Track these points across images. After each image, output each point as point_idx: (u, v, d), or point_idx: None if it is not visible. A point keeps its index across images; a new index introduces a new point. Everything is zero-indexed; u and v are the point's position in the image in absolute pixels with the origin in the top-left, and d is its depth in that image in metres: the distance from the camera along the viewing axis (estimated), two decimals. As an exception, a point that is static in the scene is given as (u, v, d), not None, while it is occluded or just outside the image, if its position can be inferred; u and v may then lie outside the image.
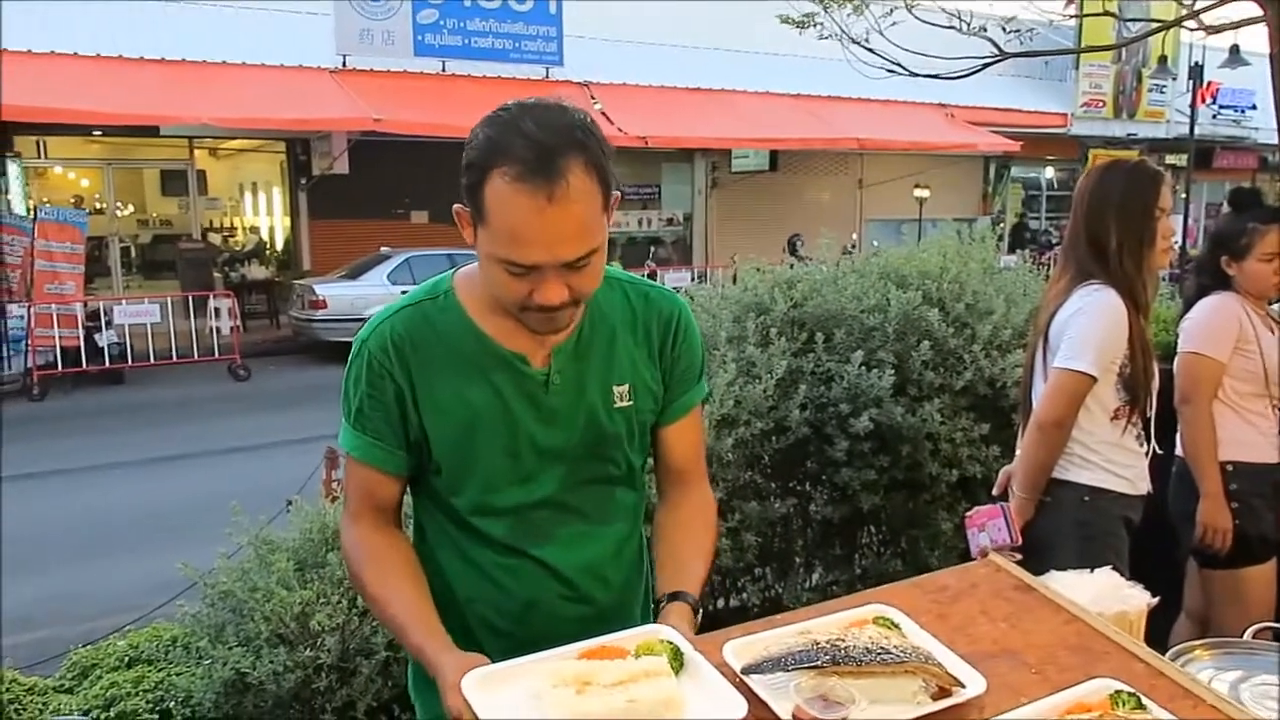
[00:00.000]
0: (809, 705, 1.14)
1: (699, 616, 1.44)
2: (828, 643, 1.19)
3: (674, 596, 1.45)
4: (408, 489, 1.58)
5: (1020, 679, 1.25)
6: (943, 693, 1.20)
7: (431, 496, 1.54)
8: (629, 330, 1.53)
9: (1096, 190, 2.55)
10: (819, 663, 1.17)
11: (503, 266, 1.32)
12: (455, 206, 1.39)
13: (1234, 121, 22.80)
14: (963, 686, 1.20)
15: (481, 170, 1.29)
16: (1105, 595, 1.46)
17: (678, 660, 1.25)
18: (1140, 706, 1.13)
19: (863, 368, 3.28)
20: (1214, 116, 22.06)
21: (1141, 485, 2.63)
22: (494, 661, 1.28)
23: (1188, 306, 3.04)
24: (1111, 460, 2.57)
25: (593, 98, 14.96)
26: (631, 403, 1.52)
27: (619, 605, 1.60)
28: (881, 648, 1.19)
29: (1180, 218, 16.21)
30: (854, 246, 13.90)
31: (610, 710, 1.14)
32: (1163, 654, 1.32)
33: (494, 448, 1.46)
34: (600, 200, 1.31)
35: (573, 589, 1.53)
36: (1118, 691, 1.16)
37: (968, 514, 2.62)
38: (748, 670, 1.22)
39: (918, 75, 5.80)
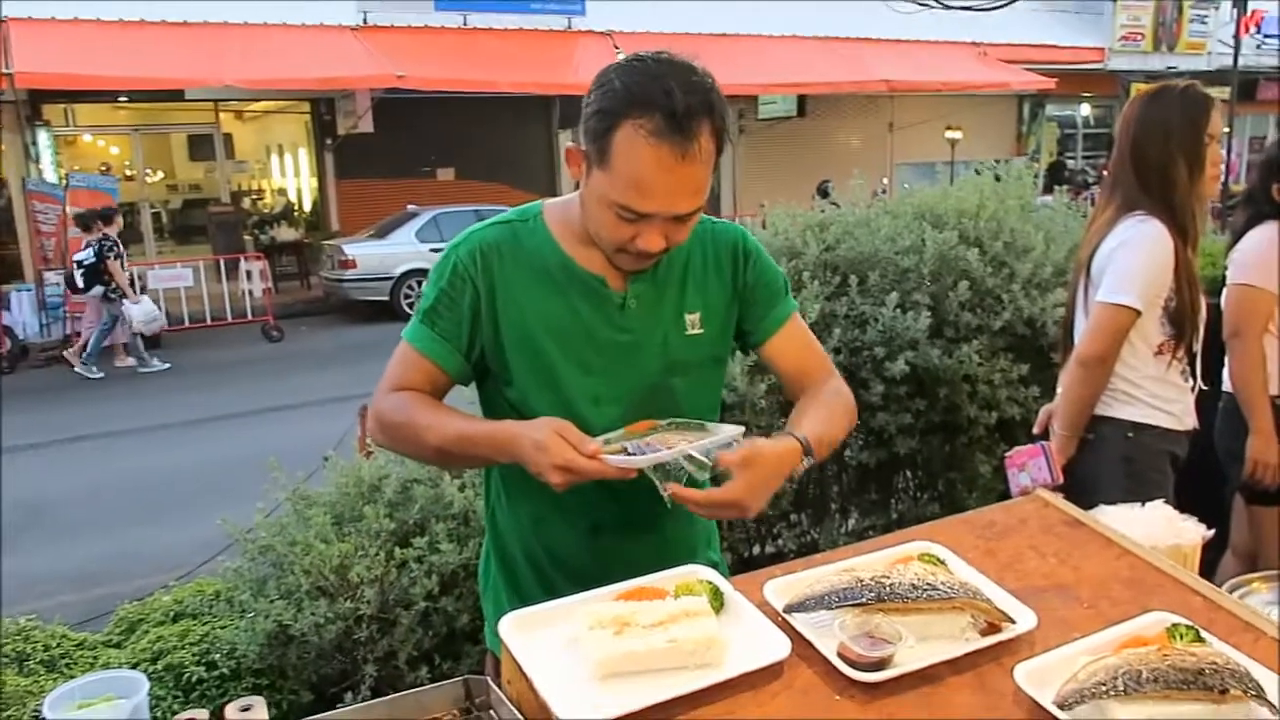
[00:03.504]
0: (854, 643, 1.11)
1: (807, 457, 1.46)
2: (872, 580, 1.16)
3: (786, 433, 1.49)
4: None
5: (1072, 614, 1.21)
6: (992, 628, 1.17)
7: (501, 410, 1.56)
8: (701, 262, 1.59)
9: (1144, 115, 2.46)
10: (864, 600, 1.15)
11: (615, 210, 1.39)
12: (568, 145, 1.45)
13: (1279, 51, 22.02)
14: (1013, 622, 1.17)
15: (615, 117, 1.35)
16: (1158, 529, 1.42)
17: (718, 600, 1.23)
18: (1199, 639, 1.09)
19: (898, 310, 3.22)
20: (1258, 47, 21.25)
21: (1187, 421, 2.57)
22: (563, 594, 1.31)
23: (1236, 237, 2.94)
24: (1156, 395, 2.51)
25: (616, 47, 14.74)
26: (703, 331, 1.57)
27: (687, 540, 1.66)
28: (928, 584, 1.16)
29: (1223, 153, 15.74)
30: (884, 190, 13.67)
31: (651, 651, 1.12)
32: (1214, 590, 1.28)
33: (569, 361, 1.51)
34: (715, 160, 1.40)
35: (636, 514, 1.55)
36: (1175, 625, 1.12)
37: (1008, 454, 2.57)
38: (790, 609, 1.19)
39: (950, 7, 5.64)
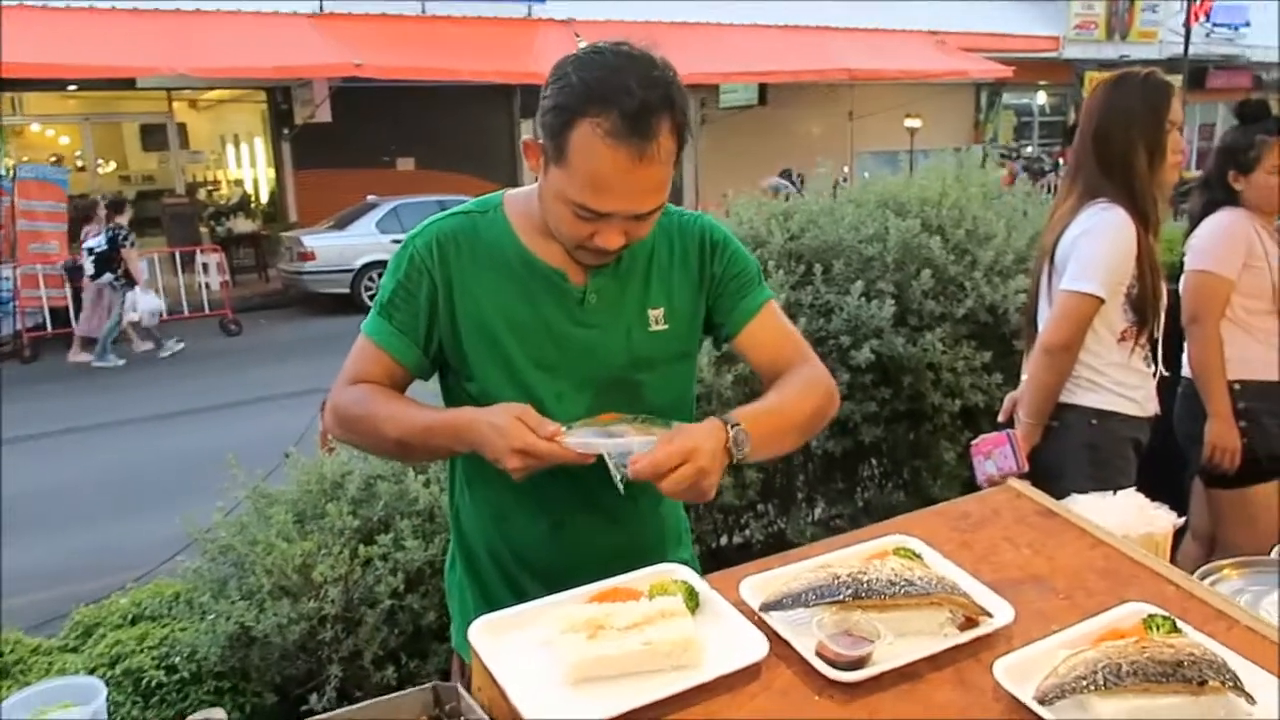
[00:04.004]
0: (833, 641, 1.09)
1: (731, 431, 1.34)
2: (849, 576, 1.15)
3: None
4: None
5: (1049, 606, 1.21)
6: (970, 623, 1.16)
7: (464, 405, 1.51)
8: (667, 256, 1.55)
9: (1106, 102, 2.47)
10: (841, 597, 1.13)
11: (572, 208, 1.35)
12: (525, 138, 1.43)
13: (1228, 40, 22.45)
14: (990, 616, 1.16)
15: (572, 114, 1.30)
16: (1130, 518, 1.42)
17: (693, 600, 1.20)
18: (1175, 630, 1.09)
19: (862, 299, 3.22)
20: (1207, 35, 21.70)
21: (1150, 407, 2.60)
22: (530, 597, 1.26)
23: (1194, 224, 2.97)
24: (1120, 382, 2.53)
25: (577, 35, 14.64)
26: (667, 327, 1.54)
27: (655, 537, 1.62)
28: (905, 579, 1.14)
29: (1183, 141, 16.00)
30: (845, 179, 13.73)
31: (626, 654, 1.09)
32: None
33: (527, 355, 1.48)
34: (677, 156, 1.36)
35: (600, 508, 1.52)
36: (1151, 616, 1.12)
37: (973, 442, 2.59)
38: (767, 607, 1.17)
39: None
